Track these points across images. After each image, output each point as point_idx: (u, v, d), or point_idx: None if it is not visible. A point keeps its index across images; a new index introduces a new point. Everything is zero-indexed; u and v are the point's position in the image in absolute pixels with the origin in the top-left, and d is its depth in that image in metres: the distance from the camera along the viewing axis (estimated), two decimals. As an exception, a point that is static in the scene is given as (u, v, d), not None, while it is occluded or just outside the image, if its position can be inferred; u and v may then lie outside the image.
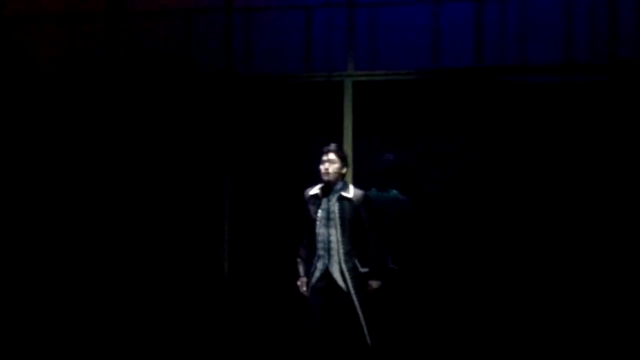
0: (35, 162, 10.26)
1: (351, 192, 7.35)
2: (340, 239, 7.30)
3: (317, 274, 7.36)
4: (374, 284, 7.43)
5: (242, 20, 9.57)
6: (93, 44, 10.07)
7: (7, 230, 10.45)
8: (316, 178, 7.70)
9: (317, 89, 9.21)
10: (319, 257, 7.35)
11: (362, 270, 7.40)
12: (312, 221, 7.36)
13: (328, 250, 7.31)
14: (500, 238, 9.18)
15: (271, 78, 9.34)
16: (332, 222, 7.32)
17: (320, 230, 7.32)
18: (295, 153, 9.24)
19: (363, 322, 7.29)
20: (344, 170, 7.42)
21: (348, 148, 8.87)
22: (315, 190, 7.39)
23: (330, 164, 7.39)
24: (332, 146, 7.45)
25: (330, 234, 7.30)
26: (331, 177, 7.34)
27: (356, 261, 7.29)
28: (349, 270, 7.26)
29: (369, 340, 7.33)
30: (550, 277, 9.38)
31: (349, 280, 7.22)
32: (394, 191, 8.54)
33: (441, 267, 9.23)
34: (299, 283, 7.58)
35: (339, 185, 7.37)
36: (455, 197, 9.11)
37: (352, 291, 7.21)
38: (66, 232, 10.23)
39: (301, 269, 7.60)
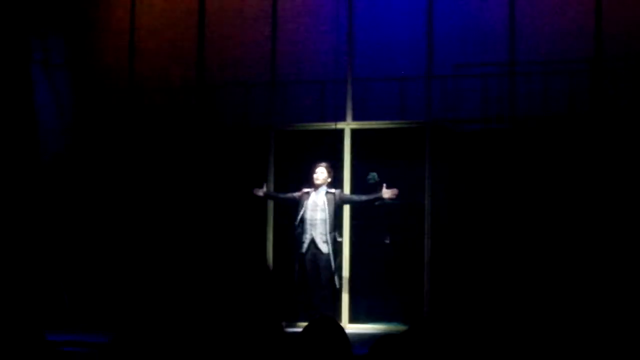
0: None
1: (332, 189, 11.31)
2: (326, 219, 11.10)
3: (305, 243, 11.12)
4: (386, 192, 11.04)
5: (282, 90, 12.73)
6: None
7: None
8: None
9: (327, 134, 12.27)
10: (305, 232, 11.11)
11: (339, 239, 11.46)
12: (302, 207, 11.19)
13: (314, 227, 11.11)
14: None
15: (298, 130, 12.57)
16: (318, 208, 11.17)
17: (308, 214, 11.17)
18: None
19: (335, 272, 11.21)
20: (329, 179, 11.38)
21: (347, 170, 12.10)
22: (307, 189, 11.33)
23: (320, 173, 11.34)
24: (322, 162, 11.37)
25: (316, 217, 11.14)
26: (320, 182, 11.26)
27: (336, 234, 11.25)
28: (330, 240, 11.11)
29: (338, 284, 11.35)
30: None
31: (330, 247, 11.14)
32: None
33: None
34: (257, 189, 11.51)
35: (325, 186, 11.40)
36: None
37: (331, 254, 11.15)
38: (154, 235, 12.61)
39: (267, 190, 11.62)
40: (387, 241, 12.66)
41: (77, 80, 13.29)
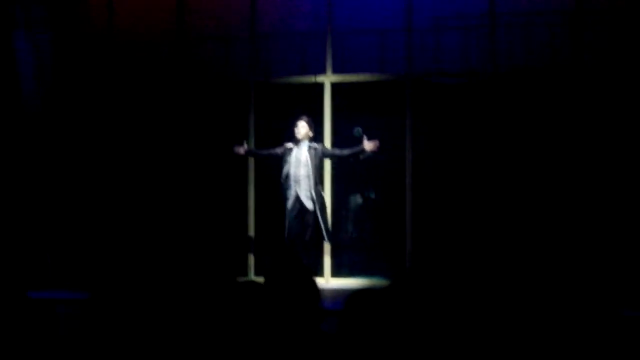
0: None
1: (315, 143, 11.25)
2: (310, 174, 11.02)
3: (290, 200, 11.05)
4: (368, 144, 10.96)
5: (263, 43, 12.67)
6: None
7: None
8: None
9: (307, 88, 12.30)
10: (290, 188, 11.05)
11: (323, 194, 11.43)
12: (286, 163, 11.11)
13: (298, 183, 11.03)
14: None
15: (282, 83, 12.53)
16: (301, 164, 11.07)
17: (292, 170, 11.08)
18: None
19: (323, 227, 11.09)
20: (310, 133, 11.29)
21: (328, 123, 12.16)
22: (290, 144, 11.28)
23: (301, 127, 11.21)
24: (303, 117, 11.26)
25: (299, 173, 11.04)
26: (301, 136, 11.15)
27: (319, 188, 11.19)
28: (315, 195, 11.04)
29: (326, 239, 11.33)
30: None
31: (316, 202, 11.08)
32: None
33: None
34: (237, 147, 11.50)
35: (306, 141, 11.32)
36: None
37: (318, 208, 11.04)
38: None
39: (248, 147, 11.58)
40: (373, 196, 12.63)
41: (59, 39, 13.06)
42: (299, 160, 11.14)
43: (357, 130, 11.67)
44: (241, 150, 11.60)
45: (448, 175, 12.05)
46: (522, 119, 11.71)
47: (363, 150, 11.10)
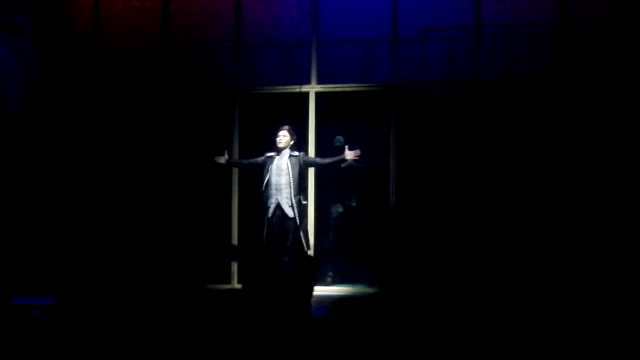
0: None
1: (296, 152, 11.26)
2: (290, 183, 11.03)
3: (271, 208, 11.07)
4: (349, 154, 10.98)
5: (247, 54, 12.68)
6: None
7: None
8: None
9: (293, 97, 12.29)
10: (271, 196, 11.07)
11: (304, 202, 11.45)
12: (268, 172, 11.10)
13: (280, 191, 11.05)
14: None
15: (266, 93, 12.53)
16: (282, 173, 11.09)
17: (273, 178, 11.10)
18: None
19: (303, 237, 11.13)
20: (292, 142, 11.29)
21: (312, 133, 12.14)
22: (271, 153, 11.31)
23: (283, 137, 11.24)
24: (285, 126, 11.26)
25: (280, 181, 11.07)
26: (283, 145, 11.16)
27: (301, 197, 11.18)
28: (296, 204, 11.04)
29: (306, 248, 11.34)
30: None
31: (296, 210, 11.08)
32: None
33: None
34: (218, 157, 11.45)
35: (288, 150, 11.34)
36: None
37: (297, 217, 11.08)
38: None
39: (229, 157, 11.54)
40: (354, 204, 12.66)
41: (43, 45, 13.17)
42: (281, 168, 11.18)
43: (338, 139, 11.83)
44: (222, 160, 11.59)
45: (432, 184, 12.05)
46: (507, 129, 11.72)
47: (344, 160, 11.14)
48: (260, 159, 11.34)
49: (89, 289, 3.85)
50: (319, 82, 12.38)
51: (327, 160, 11.31)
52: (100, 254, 12.39)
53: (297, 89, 12.25)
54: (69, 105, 13.08)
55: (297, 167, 11.15)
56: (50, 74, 13.15)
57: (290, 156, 11.19)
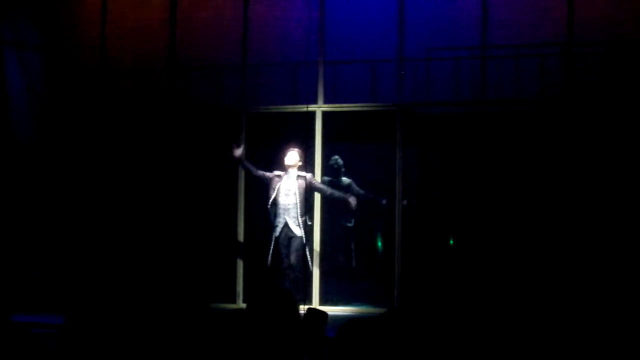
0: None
1: (303, 173, 11.39)
2: (297, 203, 11.24)
3: (279, 227, 11.28)
4: (352, 201, 11.46)
5: (254, 72, 12.77)
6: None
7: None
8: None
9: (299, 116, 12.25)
10: (279, 215, 11.26)
11: (309, 223, 11.54)
12: (274, 191, 11.30)
13: (287, 211, 11.23)
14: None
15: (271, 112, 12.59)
16: (290, 193, 11.28)
17: (281, 198, 11.29)
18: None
19: (308, 255, 11.33)
20: (300, 163, 11.45)
21: (319, 152, 12.15)
22: (279, 172, 11.45)
23: (291, 157, 11.35)
24: (294, 146, 11.43)
25: (288, 201, 11.26)
26: (291, 164, 11.34)
27: (307, 217, 11.36)
28: (302, 223, 11.26)
29: (311, 267, 11.42)
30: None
31: (301, 229, 11.26)
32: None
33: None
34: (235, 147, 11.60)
35: (295, 170, 11.45)
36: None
37: (303, 236, 11.27)
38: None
39: (243, 155, 11.61)
40: (351, 224, 12.70)
41: (50, 61, 13.21)
42: (288, 189, 11.35)
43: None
44: (237, 152, 11.65)
45: (438, 205, 12.03)
46: (512, 150, 11.74)
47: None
48: (268, 175, 11.49)
49: (97, 307, 3.82)
50: (326, 101, 12.39)
51: (329, 193, 11.67)
52: (106, 272, 12.41)
53: (303, 108, 12.23)
54: (75, 121, 13.13)
55: (304, 188, 11.30)
56: (57, 90, 13.19)
57: (298, 176, 11.33)
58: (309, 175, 11.44)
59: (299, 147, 11.48)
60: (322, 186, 11.71)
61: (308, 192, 11.46)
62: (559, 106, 11.63)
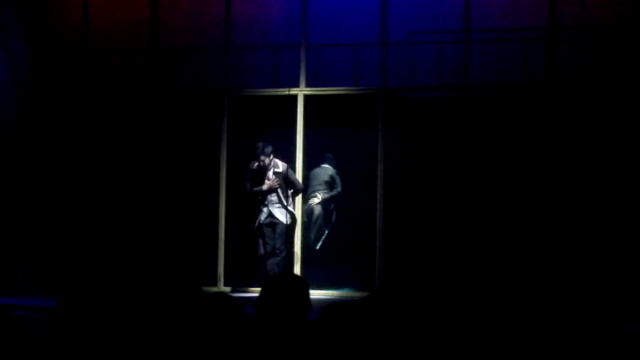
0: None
1: (280, 166, 11.47)
2: (279, 194, 11.45)
3: (263, 215, 11.55)
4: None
5: (236, 55, 12.73)
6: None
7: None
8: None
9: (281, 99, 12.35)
10: (264, 206, 11.52)
11: (291, 209, 11.60)
12: (255, 180, 11.51)
13: (270, 201, 11.50)
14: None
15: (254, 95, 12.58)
16: (271, 181, 11.46)
17: (264, 187, 11.49)
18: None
19: (291, 238, 11.48)
20: (272, 156, 11.50)
21: (300, 136, 12.15)
22: (256, 164, 11.52)
23: (264, 158, 11.47)
24: (260, 146, 11.52)
25: (270, 192, 11.50)
26: (267, 163, 11.49)
27: (289, 200, 11.49)
28: (285, 210, 11.47)
29: (296, 248, 11.53)
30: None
31: (286, 215, 11.47)
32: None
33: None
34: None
35: (271, 165, 11.50)
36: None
37: (288, 221, 11.53)
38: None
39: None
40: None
41: (32, 46, 13.21)
42: (269, 178, 11.54)
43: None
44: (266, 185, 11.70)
45: (419, 188, 12.05)
46: (495, 133, 11.75)
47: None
48: (254, 167, 11.63)
49: (90, 290, 3.81)
50: (308, 84, 12.37)
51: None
52: (90, 256, 12.44)
53: (285, 91, 12.26)
54: (58, 106, 13.09)
55: (282, 178, 11.54)
56: (40, 74, 13.17)
57: (274, 172, 11.52)
58: (285, 168, 11.60)
59: (263, 143, 11.63)
60: (295, 181, 11.83)
61: (288, 181, 11.60)
62: (542, 91, 11.63)
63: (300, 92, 12.32)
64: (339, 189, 12.39)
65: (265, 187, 11.48)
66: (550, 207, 11.36)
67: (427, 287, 11.30)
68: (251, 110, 12.64)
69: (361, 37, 12.46)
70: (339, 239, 12.59)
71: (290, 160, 11.96)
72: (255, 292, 11.56)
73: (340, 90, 12.41)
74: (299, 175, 12.06)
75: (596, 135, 11.41)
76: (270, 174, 11.50)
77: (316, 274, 12.24)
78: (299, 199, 12.12)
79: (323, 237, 12.37)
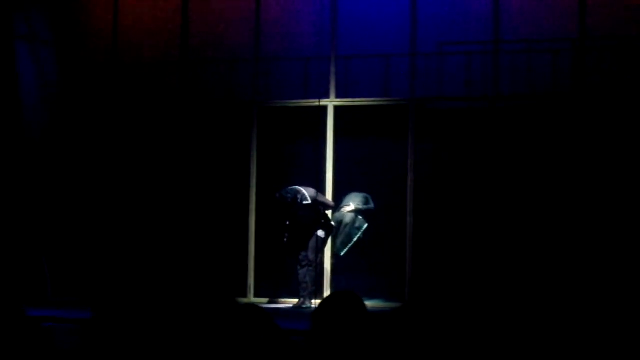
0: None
1: (308, 198, 11.57)
2: (310, 222, 11.63)
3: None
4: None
5: (266, 66, 12.78)
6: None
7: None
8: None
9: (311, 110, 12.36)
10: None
11: (321, 235, 11.68)
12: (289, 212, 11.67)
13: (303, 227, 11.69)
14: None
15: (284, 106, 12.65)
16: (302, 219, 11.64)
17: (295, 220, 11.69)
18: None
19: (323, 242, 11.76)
20: (299, 195, 11.59)
21: (330, 147, 12.21)
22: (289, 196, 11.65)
23: (292, 201, 11.60)
24: (285, 190, 11.68)
25: (301, 222, 11.65)
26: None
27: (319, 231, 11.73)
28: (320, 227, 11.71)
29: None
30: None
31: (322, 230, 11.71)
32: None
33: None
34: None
35: (300, 197, 11.59)
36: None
37: (323, 235, 11.77)
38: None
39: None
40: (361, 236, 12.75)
41: (62, 55, 13.26)
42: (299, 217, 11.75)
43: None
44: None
45: (449, 199, 12.03)
46: (524, 145, 11.72)
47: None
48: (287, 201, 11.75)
49: (125, 302, 3.84)
50: (338, 95, 12.38)
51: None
52: (123, 267, 12.47)
53: (315, 102, 12.25)
54: (87, 116, 13.16)
55: (312, 208, 11.69)
56: (69, 84, 13.23)
57: (304, 206, 11.65)
58: (312, 197, 11.66)
59: (278, 195, 11.80)
60: (325, 201, 11.96)
61: (317, 208, 11.79)
62: (571, 101, 11.59)
63: (331, 103, 12.34)
64: (372, 205, 12.32)
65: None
66: (581, 217, 11.29)
67: (457, 298, 11.26)
68: (281, 121, 12.68)
69: (390, 47, 12.46)
70: (369, 250, 12.55)
71: (320, 172, 11.96)
72: (285, 303, 11.67)
73: (370, 101, 12.43)
74: (329, 185, 12.06)
75: (624, 146, 11.35)
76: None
77: (346, 284, 12.23)
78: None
79: (350, 245, 12.30)
